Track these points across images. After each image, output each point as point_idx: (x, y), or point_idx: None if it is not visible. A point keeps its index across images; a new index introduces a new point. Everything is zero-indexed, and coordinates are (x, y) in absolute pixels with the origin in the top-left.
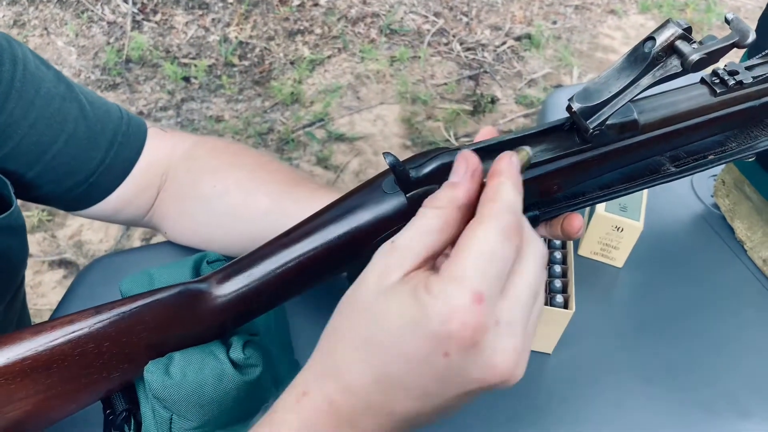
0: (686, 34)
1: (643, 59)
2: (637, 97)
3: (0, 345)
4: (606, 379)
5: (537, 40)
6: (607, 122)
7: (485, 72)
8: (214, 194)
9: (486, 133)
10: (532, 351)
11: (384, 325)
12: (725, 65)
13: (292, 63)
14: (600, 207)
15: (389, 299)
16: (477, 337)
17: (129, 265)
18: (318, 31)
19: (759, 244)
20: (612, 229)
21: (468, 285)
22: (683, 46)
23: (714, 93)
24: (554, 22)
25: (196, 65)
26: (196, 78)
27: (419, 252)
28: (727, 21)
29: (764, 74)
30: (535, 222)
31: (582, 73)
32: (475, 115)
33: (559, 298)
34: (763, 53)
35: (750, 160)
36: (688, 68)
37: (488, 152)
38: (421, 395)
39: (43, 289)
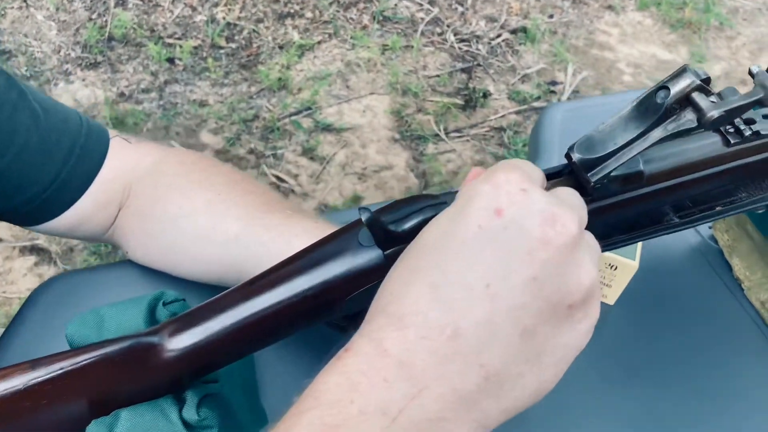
0: (704, 86)
1: (655, 110)
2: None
3: None
4: (591, 426)
5: (532, 34)
6: (609, 175)
7: (479, 65)
8: (180, 215)
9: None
10: None
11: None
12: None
13: (280, 47)
14: None
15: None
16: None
17: (86, 288)
18: (309, 14)
19: (758, 285)
20: (606, 267)
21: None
22: (701, 100)
23: (727, 143)
24: (551, 16)
25: (181, 46)
26: (180, 59)
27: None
28: (751, 74)
29: None
30: None
31: (576, 70)
32: (467, 110)
33: None
34: None
35: (760, 211)
36: (705, 125)
37: None
38: (521, 332)
39: (13, 276)
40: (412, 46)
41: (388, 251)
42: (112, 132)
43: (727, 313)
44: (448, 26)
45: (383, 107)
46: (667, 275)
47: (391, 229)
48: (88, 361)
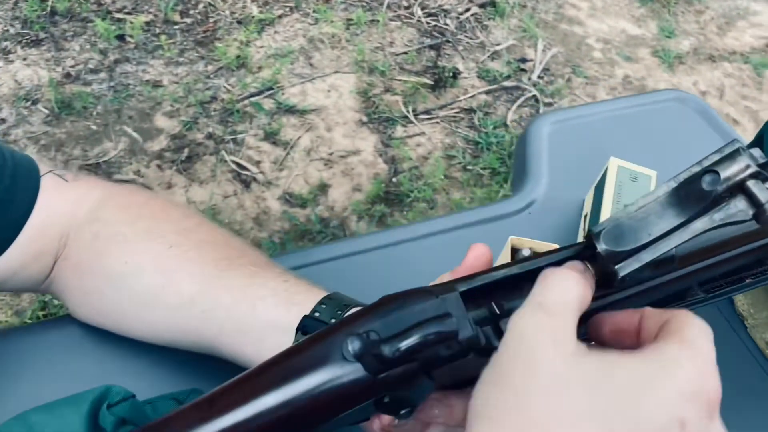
0: (763, 172)
1: (700, 198)
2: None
3: None
4: None
5: (501, 8)
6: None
7: (447, 41)
8: (126, 272)
9: (478, 254)
10: None
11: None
12: None
13: (239, 22)
14: None
15: (589, 363)
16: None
17: (18, 353)
18: None
19: (763, 324)
20: None
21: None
22: (757, 190)
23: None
24: None
25: (131, 22)
26: (131, 36)
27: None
28: None
29: None
30: None
31: (546, 47)
32: (436, 90)
33: None
34: None
35: None
36: (763, 222)
37: (488, 290)
38: None
39: None
40: (378, 21)
41: (381, 375)
42: (43, 167)
43: (728, 350)
44: (414, 0)
45: (349, 87)
46: None
47: (385, 355)
48: None
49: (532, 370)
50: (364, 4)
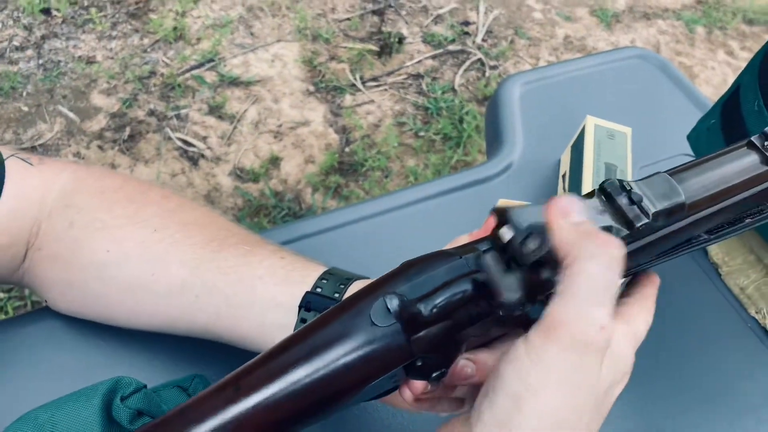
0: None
1: None
2: (678, 170)
3: None
4: None
5: None
6: (652, 211)
7: (390, 6)
8: (110, 261)
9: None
10: None
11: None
12: None
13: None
14: None
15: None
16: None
17: (5, 350)
18: None
19: (737, 270)
20: None
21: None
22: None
23: (765, 160)
24: None
25: None
26: (58, 10)
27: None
28: None
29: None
30: None
31: (488, 9)
32: (382, 57)
33: None
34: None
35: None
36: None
37: None
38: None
39: None
40: (327, 2)
41: (414, 336)
42: (5, 149)
43: (704, 299)
44: None
45: (293, 56)
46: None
47: (421, 314)
48: None
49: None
50: None
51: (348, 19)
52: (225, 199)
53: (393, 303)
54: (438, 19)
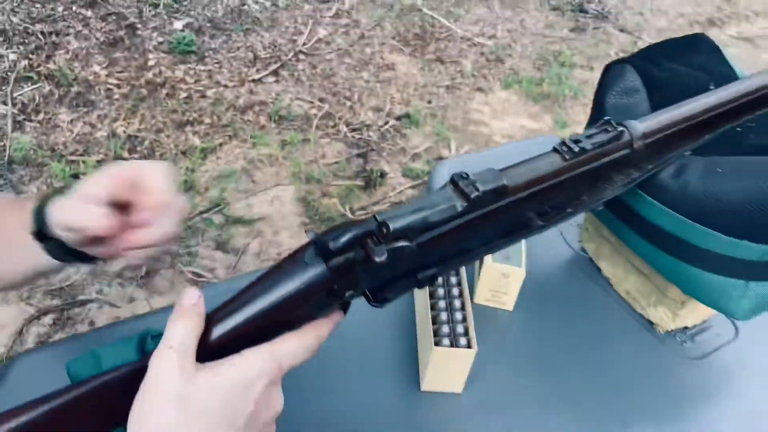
0: None
1: None
2: (506, 168)
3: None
4: (512, 412)
5: (416, 119)
6: (482, 188)
7: (372, 149)
8: None
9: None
10: (445, 392)
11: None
12: (570, 136)
13: (183, 153)
14: (488, 259)
15: (204, 378)
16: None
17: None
18: (207, 120)
19: (621, 279)
20: (500, 277)
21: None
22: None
23: (564, 159)
24: (429, 102)
25: (84, 161)
26: (85, 174)
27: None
28: None
29: (600, 141)
30: (433, 279)
31: (459, 146)
32: (367, 190)
33: (463, 340)
34: (599, 123)
35: (600, 209)
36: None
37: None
38: None
39: None
40: (310, 139)
41: (330, 263)
42: None
43: (602, 306)
44: (339, 119)
45: (290, 196)
46: (551, 283)
47: (329, 246)
48: (94, 385)
49: (161, 392)
50: (296, 126)
51: (336, 162)
52: None
53: (310, 235)
54: (415, 157)
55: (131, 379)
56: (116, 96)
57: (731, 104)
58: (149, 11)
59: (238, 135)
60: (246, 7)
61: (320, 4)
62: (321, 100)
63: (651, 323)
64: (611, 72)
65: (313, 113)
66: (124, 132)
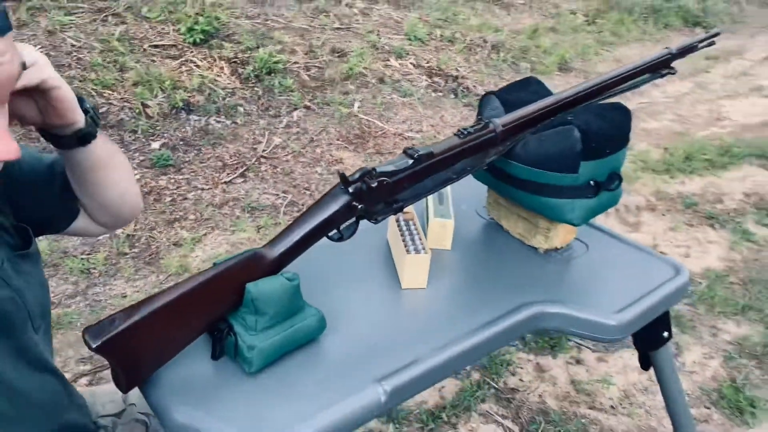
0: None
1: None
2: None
3: (161, 296)
4: (453, 301)
5: None
6: (420, 152)
7: None
8: None
9: None
10: (414, 289)
11: None
12: (461, 127)
13: (175, 244)
14: (431, 215)
15: None
16: None
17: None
18: (192, 216)
19: (513, 225)
20: (440, 227)
21: None
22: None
23: (459, 138)
24: None
25: (93, 258)
26: (95, 268)
27: None
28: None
29: (478, 127)
30: (402, 207)
31: None
32: None
33: (422, 251)
34: (476, 120)
35: (484, 168)
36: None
37: None
38: None
39: None
40: (280, 223)
41: (350, 189)
42: None
43: (505, 244)
44: (302, 205)
45: None
46: (474, 237)
47: (348, 179)
48: (226, 267)
49: None
50: (267, 213)
51: None
52: None
53: (342, 179)
54: None
55: (252, 260)
56: None
57: (550, 107)
58: (129, 137)
59: (219, 226)
60: (210, 126)
61: (272, 119)
62: (284, 192)
63: (535, 248)
64: (484, 100)
65: (279, 203)
66: (123, 232)
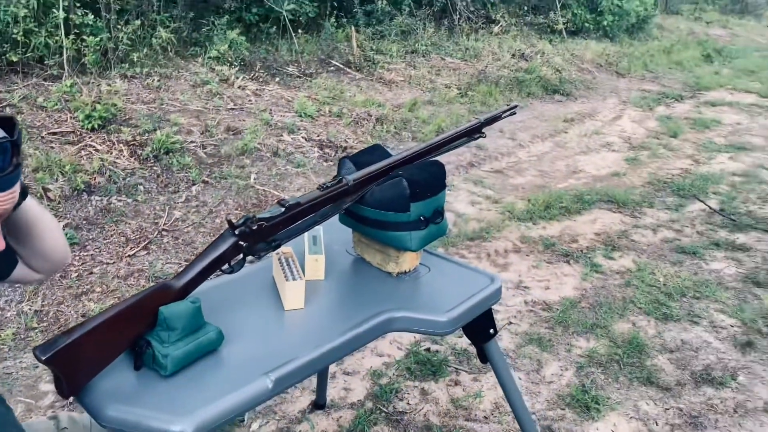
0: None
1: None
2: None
3: (93, 319)
4: (323, 317)
5: None
6: (290, 202)
7: None
8: None
9: None
10: (295, 309)
11: None
12: (324, 182)
13: (83, 316)
14: (307, 253)
15: None
16: None
17: None
18: (98, 289)
19: (372, 257)
20: (314, 262)
21: None
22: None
23: (321, 191)
24: None
25: (3, 334)
26: (4, 343)
27: None
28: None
29: (334, 183)
30: (279, 245)
31: None
32: None
33: (298, 278)
34: (333, 177)
35: (343, 212)
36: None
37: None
38: None
39: None
40: None
41: (236, 231)
42: None
43: (367, 273)
44: None
45: None
46: (343, 269)
47: (235, 224)
48: (143, 295)
49: None
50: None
51: None
52: None
53: (230, 225)
54: None
55: (162, 290)
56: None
57: (389, 166)
58: None
59: (125, 296)
60: (112, 205)
61: (172, 194)
62: (186, 260)
63: (390, 273)
64: (341, 162)
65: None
66: (30, 308)
